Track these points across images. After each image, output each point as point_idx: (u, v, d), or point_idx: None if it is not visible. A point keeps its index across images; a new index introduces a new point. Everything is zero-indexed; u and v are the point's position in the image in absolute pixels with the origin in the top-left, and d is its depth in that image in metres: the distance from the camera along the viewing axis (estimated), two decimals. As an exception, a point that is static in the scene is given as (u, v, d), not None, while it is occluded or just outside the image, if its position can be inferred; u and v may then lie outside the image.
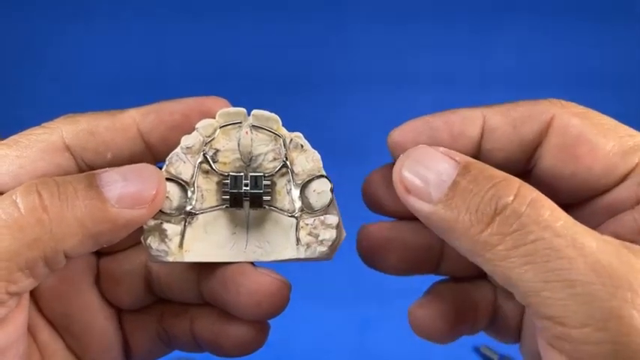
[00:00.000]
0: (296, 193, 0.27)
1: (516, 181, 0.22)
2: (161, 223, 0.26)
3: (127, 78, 0.70)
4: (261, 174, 0.27)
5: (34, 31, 0.73)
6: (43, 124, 0.26)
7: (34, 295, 0.27)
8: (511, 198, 0.22)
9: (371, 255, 0.28)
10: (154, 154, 0.27)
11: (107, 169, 0.24)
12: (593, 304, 0.20)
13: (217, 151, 0.27)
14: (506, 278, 0.22)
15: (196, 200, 0.27)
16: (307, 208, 0.27)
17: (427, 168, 0.24)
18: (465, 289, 0.29)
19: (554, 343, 0.21)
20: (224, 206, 0.27)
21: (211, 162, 0.27)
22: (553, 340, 0.21)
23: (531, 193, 0.22)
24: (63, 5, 0.72)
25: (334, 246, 0.27)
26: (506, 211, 0.22)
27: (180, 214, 0.26)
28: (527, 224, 0.21)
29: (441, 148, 0.24)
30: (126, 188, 0.24)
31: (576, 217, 0.23)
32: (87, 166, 0.26)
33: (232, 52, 0.73)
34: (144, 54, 0.73)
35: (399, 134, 0.26)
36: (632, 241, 0.23)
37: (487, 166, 0.23)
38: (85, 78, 0.72)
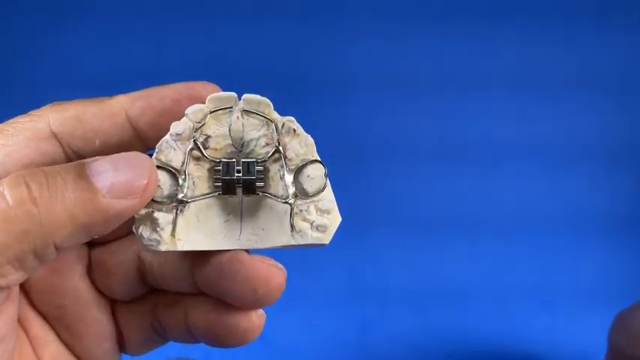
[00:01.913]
0: (289, 178, 0.26)
1: None
2: (152, 211, 0.25)
3: (124, 75, 0.70)
4: (254, 160, 0.26)
5: (31, 28, 0.73)
6: (29, 112, 0.26)
7: (24, 287, 0.27)
8: None
9: None
10: (144, 140, 0.26)
11: (97, 157, 0.24)
12: None
13: (208, 137, 0.26)
14: None
15: (188, 188, 0.26)
16: (301, 194, 0.26)
17: None
18: None
19: None
20: (216, 193, 0.26)
21: (202, 148, 0.26)
22: None
23: None
24: (65, 5, 0.72)
25: (329, 231, 0.26)
26: None
27: (172, 203, 0.26)
28: None
29: None
30: (117, 178, 0.23)
31: None
32: (75, 154, 0.26)
33: (231, 48, 0.73)
34: (142, 51, 0.73)
35: None
36: None
37: None
38: (84, 75, 0.72)
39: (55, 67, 0.73)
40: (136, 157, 0.24)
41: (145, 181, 0.24)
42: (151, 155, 0.26)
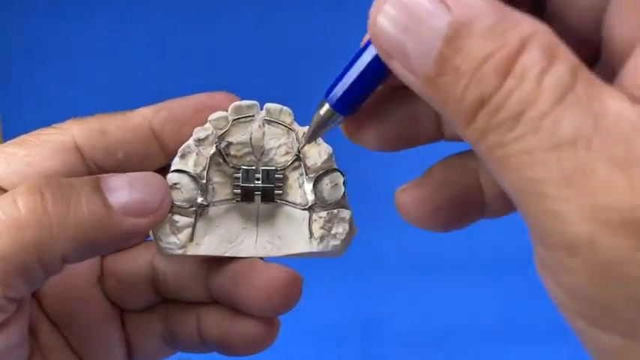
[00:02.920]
0: (308, 186, 0.26)
1: (514, 50, 0.16)
2: (172, 215, 0.26)
3: (130, 79, 0.70)
4: (273, 168, 0.26)
5: (37, 32, 0.73)
6: (53, 125, 0.26)
7: (36, 294, 0.27)
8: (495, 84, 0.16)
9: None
10: (165, 150, 0.26)
11: (113, 174, 0.24)
12: None
13: (229, 144, 0.26)
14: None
15: (208, 193, 0.26)
16: (320, 202, 0.26)
17: (408, 26, 0.17)
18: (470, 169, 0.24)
19: None
20: (235, 200, 0.27)
21: (223, 155, 0.26)
22: None
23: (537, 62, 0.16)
24: (66, 5, 0.72)
25: (347, 240, 0.26)
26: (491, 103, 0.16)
27: (192, 207, 0.26)
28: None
29: None
30: (131, 196, 0.24)
31: None
32: (96, 167, 0.26)
33: (235, 50, 0.73)
34: (147, 55, 0.72)
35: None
36: None
37: (497, 13, 0.16)
38: (89, 79, 0.71)
39: (57, 68, 0.72)
40: (152, 177, 0.25)
41: (158, 203, 0.24)
42: (170, 165, 0.26)
